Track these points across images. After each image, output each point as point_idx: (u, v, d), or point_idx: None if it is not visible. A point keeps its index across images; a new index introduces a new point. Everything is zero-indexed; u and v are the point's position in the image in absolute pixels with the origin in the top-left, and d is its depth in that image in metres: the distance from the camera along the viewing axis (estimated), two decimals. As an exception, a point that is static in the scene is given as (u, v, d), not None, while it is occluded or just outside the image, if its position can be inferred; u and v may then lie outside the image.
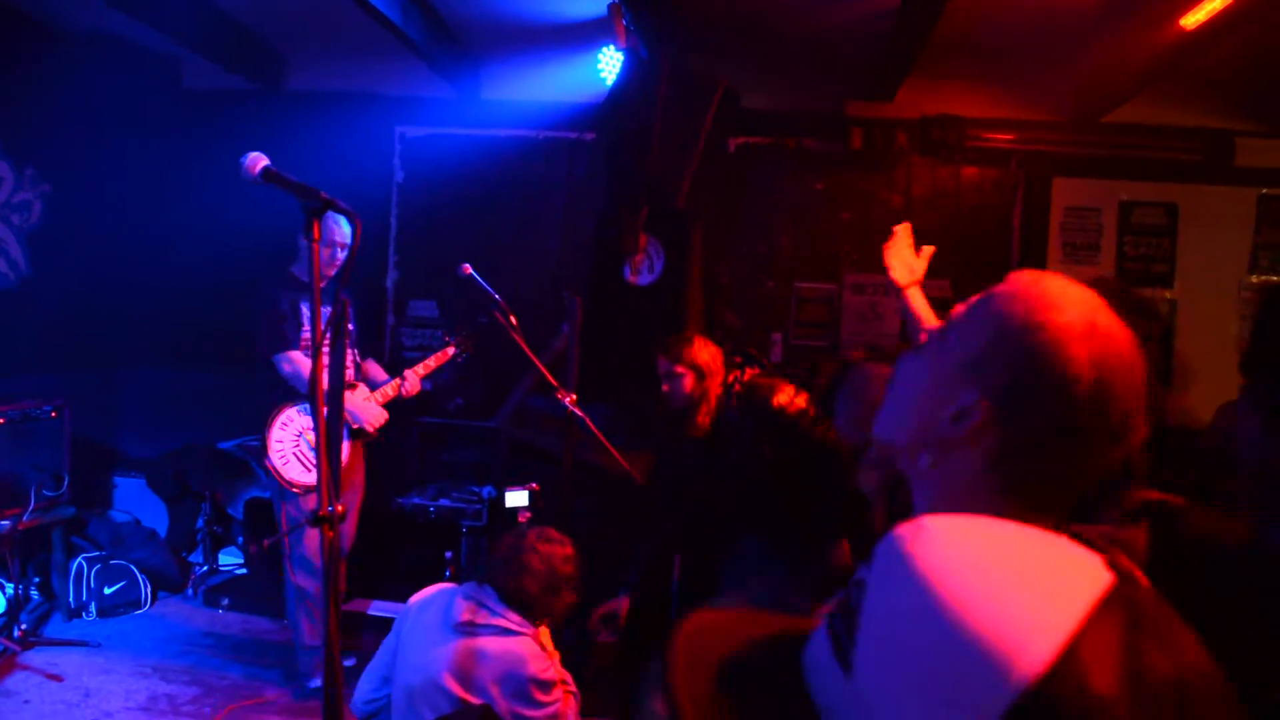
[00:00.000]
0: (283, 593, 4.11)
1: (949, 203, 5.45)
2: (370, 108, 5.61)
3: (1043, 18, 4.30)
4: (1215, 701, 0.59)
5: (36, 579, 4.76)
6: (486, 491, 4.73)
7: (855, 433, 2.13)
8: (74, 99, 4.90)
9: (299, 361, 3.94)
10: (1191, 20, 3.83)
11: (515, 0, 4.52)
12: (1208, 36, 3.91)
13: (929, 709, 0.53)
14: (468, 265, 3.69)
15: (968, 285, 5.51)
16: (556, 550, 2.63)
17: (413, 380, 4.22)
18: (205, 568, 5.41)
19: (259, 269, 4.27)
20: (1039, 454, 0.78)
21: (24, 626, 4.34)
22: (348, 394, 4.02)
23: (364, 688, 2.67)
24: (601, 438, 3.62)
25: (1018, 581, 0.57)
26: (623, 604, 3.49)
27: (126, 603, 4.82)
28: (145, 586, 4.91)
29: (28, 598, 4.67)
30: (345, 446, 4.04)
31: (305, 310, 4.01)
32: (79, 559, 4.72)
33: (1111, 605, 0.57)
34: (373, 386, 4.19)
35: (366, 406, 4.07)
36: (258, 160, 1.83)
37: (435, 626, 2.54)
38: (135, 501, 5.34)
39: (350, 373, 4.17)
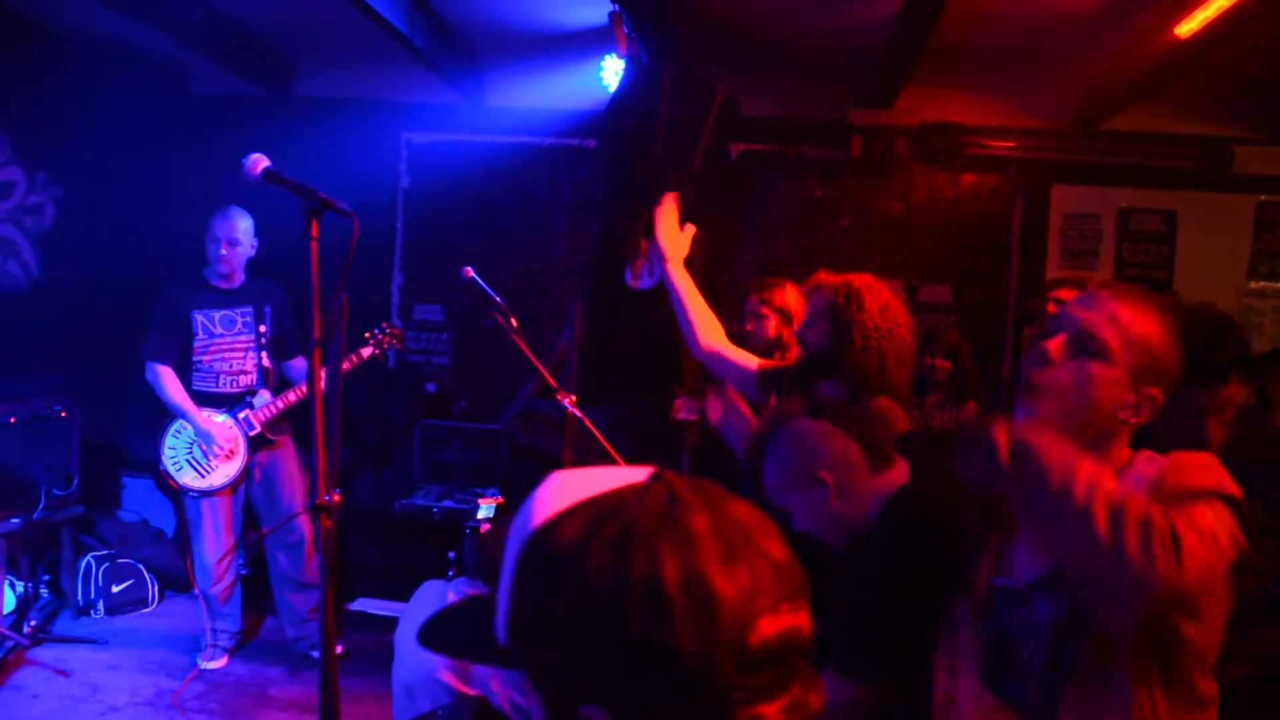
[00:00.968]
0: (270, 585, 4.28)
1: (948, 209, 5.48)
2: (378, 114, 5.67)
3: (1041, 26, 4.34)
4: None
5: (46, 577, 4.82)
6: (490, 493, 4.78)
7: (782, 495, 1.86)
8: (86, 104, 4.97)
9: (164, 376, 4.06)
10: (1186, 29, 3.87)
11: (519, 9, 4.60)
12: (1202, 44, 3.95)
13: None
14: (469, 269, 3.75)
15: (967, 292, 5.59)
16: None
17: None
18: (211, 567, 5.45)
19: (267, 272, 4.35)
20: None
21: (33, 623, 4.41)
22: (205, 410, 4.11)
23: None
24: (601, 439, 3.67)
25: (572, 488, 0.77)
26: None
27: (134, 601, 4.88)
28: (152, 585, 4.97)
29: (37, 595, 4.73)
30: (242, 444, 4.19)
31: (199, 320, 4.12)
32: (87, 557, 4.78)
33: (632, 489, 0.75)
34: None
35: (221, 427, 4.13)
36: (259, 161, 1.90)
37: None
38: (143, 501, 5.39)
39: (252, 378, 4.26)
